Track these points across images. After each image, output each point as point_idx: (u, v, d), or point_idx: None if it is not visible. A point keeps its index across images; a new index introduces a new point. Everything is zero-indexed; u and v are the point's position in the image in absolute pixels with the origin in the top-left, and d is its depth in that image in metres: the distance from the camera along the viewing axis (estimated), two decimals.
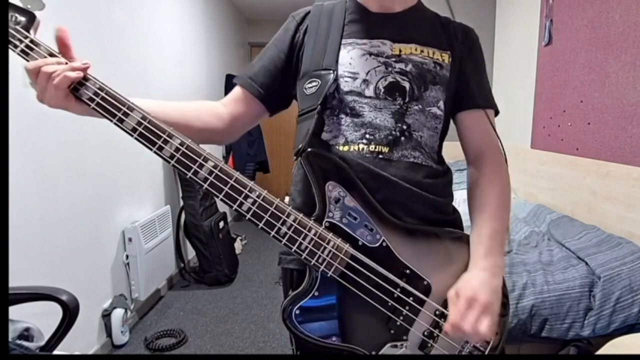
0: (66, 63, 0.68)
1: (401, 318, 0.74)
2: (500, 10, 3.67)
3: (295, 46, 0.87)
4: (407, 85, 0.81)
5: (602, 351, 1.16)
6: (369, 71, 0.81)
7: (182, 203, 3.14)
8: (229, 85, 4.33)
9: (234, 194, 0.70)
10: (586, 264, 1.71)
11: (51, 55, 0.68)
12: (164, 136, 0.69)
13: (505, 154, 0.87)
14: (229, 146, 4.39)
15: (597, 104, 2.20)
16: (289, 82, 0.88)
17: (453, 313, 0.72)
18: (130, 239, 2.33)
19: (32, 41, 0.68)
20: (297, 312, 0.73)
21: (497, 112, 0.90)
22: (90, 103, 0.69)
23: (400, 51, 0.81)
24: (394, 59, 0.81)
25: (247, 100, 0.88)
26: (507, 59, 3.47)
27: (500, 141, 0.88)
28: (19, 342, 1.04)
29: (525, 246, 2.07)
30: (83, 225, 1.97)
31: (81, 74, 0.68)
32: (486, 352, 0.77)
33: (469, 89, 0.86)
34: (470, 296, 0.71)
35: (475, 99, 0.86)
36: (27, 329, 1.09)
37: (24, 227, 1.59)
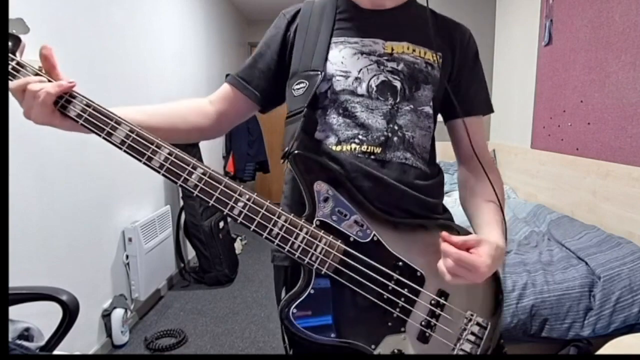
0: (49, 81, 0.70)
1: (397, 310, 0.75)
2: (500, 10, 3.67)
3: (286, 45, 0.87)
4: (398, 84, 0.80)
5: (602, 351, 1.16)
6: (361, 69, 0.80)
7: (182, 203, 3.15)
8: None
9: (224, 199, 0.70)
10: (586, 264, 1.71)
11: (37, 75, 0.70)
12: (152, 147, 0.70)
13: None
14: (229, 146, 4.39)
15: (597, 104, 2.20)
16: (283, 81, 0.87)
17: (462, 241, 0.69)
18: (130, 239, 2.33)
19: (18, 63, 0.69)
20: (294, 311, 0.73)
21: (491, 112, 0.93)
22: (78, 120, 0.70)
23: (392, 49, 0.81)
24: (386, 58, 0.81)
25: (237, 99, 0.88)
26: (507, 59, 3.47)
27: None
28: (19, 342, 1.04)
29: (525, 246, 2.07)
30: (83, 225, 1.97)
31: (63, 89, 0.69)
32: (481, 344, 0.77)
33: (472, 95, 0.87)
34: (486, 252, 0.69)
35: (480, 106, 0.89)
36: (27, 329, 1.09)
37: (24, 227, 1.59)
